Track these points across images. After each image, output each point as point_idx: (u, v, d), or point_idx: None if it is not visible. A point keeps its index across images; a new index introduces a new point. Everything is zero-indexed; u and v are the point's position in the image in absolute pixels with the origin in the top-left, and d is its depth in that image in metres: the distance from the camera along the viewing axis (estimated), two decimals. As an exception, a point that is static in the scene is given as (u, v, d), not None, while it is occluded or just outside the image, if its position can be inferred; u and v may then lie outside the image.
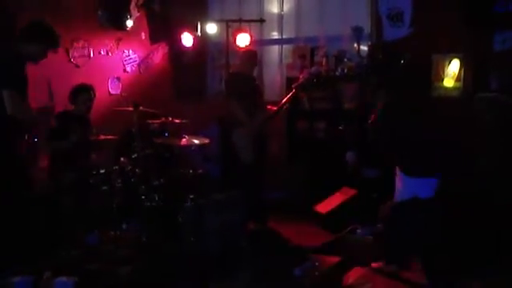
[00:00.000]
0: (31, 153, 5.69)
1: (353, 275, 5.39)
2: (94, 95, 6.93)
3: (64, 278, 4.43)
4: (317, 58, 8.51)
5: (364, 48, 8.09)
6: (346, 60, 8.09)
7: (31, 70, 5.47)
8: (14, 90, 5.03)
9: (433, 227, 5.15)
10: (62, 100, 7.01)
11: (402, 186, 5.30)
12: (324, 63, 8.26)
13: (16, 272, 4.51)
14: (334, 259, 5.34)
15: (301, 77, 7.73)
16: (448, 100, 7.31)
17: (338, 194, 7.27)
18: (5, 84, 5.04)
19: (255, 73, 7.97)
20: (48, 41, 5.50)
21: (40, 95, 6.89)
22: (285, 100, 7.56)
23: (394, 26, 7.86)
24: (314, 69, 8.19)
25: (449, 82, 7.34)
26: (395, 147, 5.32)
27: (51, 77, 7.19)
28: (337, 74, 8.09)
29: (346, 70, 7.99)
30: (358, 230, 6.30)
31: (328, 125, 8.07)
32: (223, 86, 8.15)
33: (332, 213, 6.98)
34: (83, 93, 6.81)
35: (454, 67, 7.32)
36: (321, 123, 8.15)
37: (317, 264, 5.00)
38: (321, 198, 7.30)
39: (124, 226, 6.10)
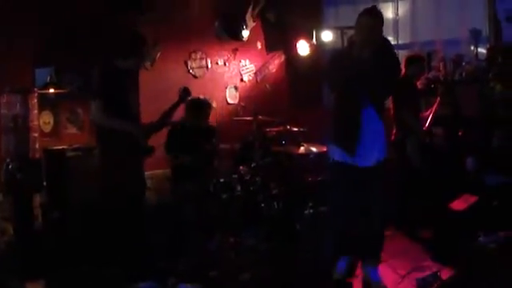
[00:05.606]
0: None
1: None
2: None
3: (188, 285, 4.56)
4: (434, 63, 8.38)
5: (482, 51, 7.92)
6: (464, 64, 7.94)
7: (150, 81, 5.62)
8: (100, 99, 4.96)
9: None
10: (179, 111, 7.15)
11: None
12: (441, 68, 8.14)
13: (142, 278, 4.66)
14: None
15: (418, 83, 7.50)
16: None
17: (457, 201, 7.12)
18: (94, 94, 5.04)
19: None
20: (136, 55, 5.30)
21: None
22: None
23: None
24: (431, 74, 8.09)
25: None
26: None
27: (170, 88, 7.09)
28: (455, 78, 7.95)
29: (464, 74, 7.84)
30: (480, 238, 6.17)
31: (447, 131, 7.91)
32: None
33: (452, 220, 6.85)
34: (207, 108, 6.76)
35: None
36: (439, 129, 7.99)
37: (438, 274, 4.95)
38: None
39: (243, 234, 6.18)
